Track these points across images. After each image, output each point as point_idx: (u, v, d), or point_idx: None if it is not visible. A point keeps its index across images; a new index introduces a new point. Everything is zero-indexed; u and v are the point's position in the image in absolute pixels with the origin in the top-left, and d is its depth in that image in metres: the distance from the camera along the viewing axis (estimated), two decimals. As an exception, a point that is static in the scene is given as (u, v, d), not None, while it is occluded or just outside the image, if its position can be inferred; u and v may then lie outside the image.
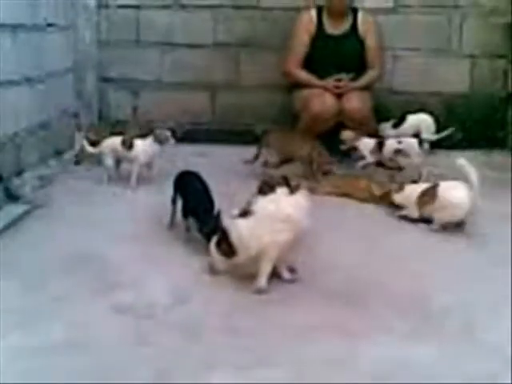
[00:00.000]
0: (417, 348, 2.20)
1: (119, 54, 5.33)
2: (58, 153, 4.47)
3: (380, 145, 4.38)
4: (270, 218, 2.70)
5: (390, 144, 4.37)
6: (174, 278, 2.75)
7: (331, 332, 2.31)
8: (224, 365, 2.08)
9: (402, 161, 4.44)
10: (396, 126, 5.00)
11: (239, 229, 2.69)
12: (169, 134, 4.05)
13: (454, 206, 3.34)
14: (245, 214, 2.74)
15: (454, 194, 3.35)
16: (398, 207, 3.65)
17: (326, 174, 4.26)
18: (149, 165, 4.06)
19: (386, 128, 5.00)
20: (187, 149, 4.66)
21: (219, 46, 5.37)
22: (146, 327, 2.32)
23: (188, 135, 5.23)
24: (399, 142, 4.37)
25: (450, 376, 2.05)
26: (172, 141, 4.05)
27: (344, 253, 3.06)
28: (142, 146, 3.99)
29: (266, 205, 2.73)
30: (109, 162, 4.05)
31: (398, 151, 4.38)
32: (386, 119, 5.02)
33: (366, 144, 4.39)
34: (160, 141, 4.00)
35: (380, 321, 2.41)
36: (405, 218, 3.58)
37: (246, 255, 2.69)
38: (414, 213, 3.54)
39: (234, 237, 2.70)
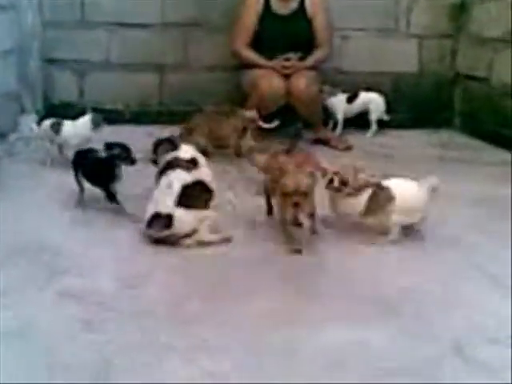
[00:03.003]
0: (370, 334, 2.20)
1: (64, 35, 5.17)
2: (1, 136, 4.35)
3: None
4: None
5: None
6: (123, 263, 2.71)
7: (286, 319, 2.30)
8: (175, 353, 2.05)
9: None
10: (350, 100, 5.03)
11: None
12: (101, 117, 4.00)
13: (414, 207, 2.92)
14: None
15: (412, 193, 2.92)
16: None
17: None
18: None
19: (341, 102, 5.01)
20: (135, 130, 4.58)
21: (167, 26, 5.28)
22: (93, 314, 2.28)
23: (136, 116, 5.20)
24: None
25: (401, 361, 2.06)
26: (104, 125, 3.99)
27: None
28: (72, 129, 3.92)
29: None
30: (47, 144, 3.98)
31: None
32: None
33: None
34: (94, 124, 3.94)
35: (335, 307, 2.40)
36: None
37: None
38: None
39: None
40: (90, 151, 3.35)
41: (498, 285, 2.60)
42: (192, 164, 3.03)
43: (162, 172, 3.02)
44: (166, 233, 2.84)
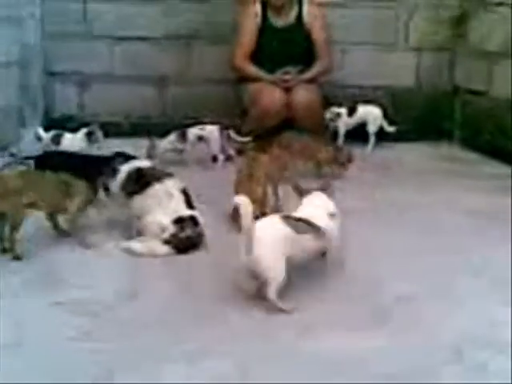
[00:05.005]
0: (363, 339, 2.21)
1: (66, 47, 5.21)
2: (2, 149, 4.37)
3: (183, 133, 4.45)
4: None
5: (194, 132, 4.45)
6: (117, 271, 2.73)
7: (277, 325, 2.31)
8: (170, 358, 2.07)
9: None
10: (350, 113, 5.05)
11: None
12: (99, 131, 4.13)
13: None
14: None
15: None
16: None
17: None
18: None
19: (342, 115, 5.01)
20: (136, 142, 4.58)
21: (169, 39, 5.32)
22: (90, 324, 2.29)
23: (138, 129, 5.22)
24: (201, 129, 4.47)
25: (396, 365, 2.06)
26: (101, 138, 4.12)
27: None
28: (71, 141, 4.01)
29: None
30: None
31: (200, 138, 4.47)
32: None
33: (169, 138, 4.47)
34: (89, 137, 4.05)
35: (329, 313, 2.41)
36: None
37: None
38: None
39: None
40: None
41: (495, 289, 2.61)
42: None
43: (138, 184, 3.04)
44: (199, 230, 2.96)
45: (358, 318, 2.37)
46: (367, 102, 5.15)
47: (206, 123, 4.58)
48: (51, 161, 3.57)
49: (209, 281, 2.68)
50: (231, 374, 2.00)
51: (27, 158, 3.78)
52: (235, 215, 3.21)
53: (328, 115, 4.95)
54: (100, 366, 2.02)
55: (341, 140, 5.03)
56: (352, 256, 2.92)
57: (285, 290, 2.46)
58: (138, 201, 3.01)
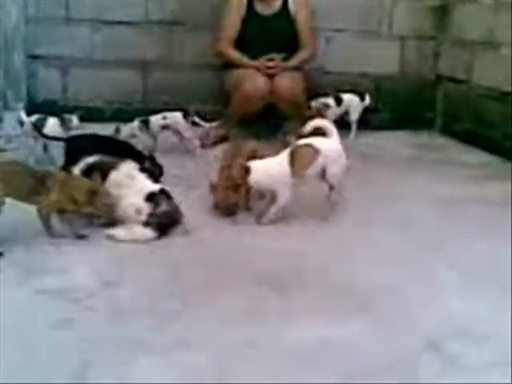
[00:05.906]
0: (342, 329, 2.23)
1: (48, 31, 5.17)
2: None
3: (146, 122, 4.38)
4: None
5: (155, 120, 4.38)
6: (98, 259, 2.73)
7: (257, 314, 2.32)
8: (148, 348, 2.08)
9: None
10: (338, 103, 5.06)
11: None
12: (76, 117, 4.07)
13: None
14: None
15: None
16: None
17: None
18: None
19: (330, 106, 5.01)
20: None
21: (151, 24, 5.30)
22: (70, 311, 2.29)
23: (119, 114, 5.20)
24: (164, 118, 4.39)
25: (373, 356, 2.08)
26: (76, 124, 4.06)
27: (264, 236, 3.09)
28: (55, 126, 3.97)
29: None
30: (31, 140, 3.99)
31: (165, 127, 4.40)
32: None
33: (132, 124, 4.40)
34: (64, 123, 4.01)
35: (306, 303, 2.43)
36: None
37: None
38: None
39: None
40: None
41: (470, 280, 2.64)
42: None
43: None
44: (175, 204, 2.95)
45: (337, 308, 2.38)
46: (345, 90, 5.16)
47: (168, 110, 4.50)
48: (82, 143, 3.58)
49: (194, 267, 2.69)
50: (207, 364, 2.00)
51: (58, 138, 3.76)
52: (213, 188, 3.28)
53: (314, 104, 4.94)
54: (77, 355, 2.02)
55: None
56: (332, 247, 2.95)
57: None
58: None
